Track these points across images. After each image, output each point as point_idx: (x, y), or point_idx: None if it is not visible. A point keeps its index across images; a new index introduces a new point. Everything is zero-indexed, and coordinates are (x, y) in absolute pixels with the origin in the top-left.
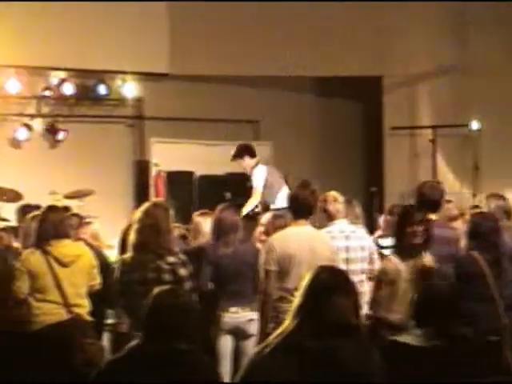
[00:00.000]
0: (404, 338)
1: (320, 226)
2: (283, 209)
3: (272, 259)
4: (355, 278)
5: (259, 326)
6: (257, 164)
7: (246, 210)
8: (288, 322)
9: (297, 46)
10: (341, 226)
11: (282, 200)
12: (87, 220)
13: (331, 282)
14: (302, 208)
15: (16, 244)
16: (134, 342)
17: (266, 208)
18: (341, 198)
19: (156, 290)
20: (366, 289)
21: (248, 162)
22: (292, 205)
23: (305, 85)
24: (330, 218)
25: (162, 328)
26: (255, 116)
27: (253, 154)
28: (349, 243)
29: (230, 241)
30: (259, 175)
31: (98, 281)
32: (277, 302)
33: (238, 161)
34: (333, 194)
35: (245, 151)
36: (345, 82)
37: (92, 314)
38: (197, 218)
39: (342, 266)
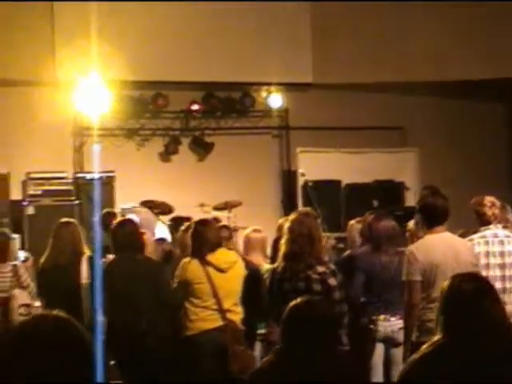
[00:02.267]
0: None
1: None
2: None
3: (415, 270)
4: (509, 285)
5: (404, 336)
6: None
7: None
8: (438, 333)
9: (440, 49)
10: (495, 230)
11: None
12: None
13: (476, 289)
14: (440, 215)
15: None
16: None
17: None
18: (498, 203)
19: (293, 301)
20: None
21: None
22: (428, 212)
23: (450, 89)
24: (484, 222)
25: (298, 337)
26: (401, 122)
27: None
28: (504, 248)
29: (384, 249)
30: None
31: None
32: (422, 310)
33: None
34: (490, 198)
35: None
36: (490, 85)
37: (245, 323)
38: (352, 226)
39: (497, 272)
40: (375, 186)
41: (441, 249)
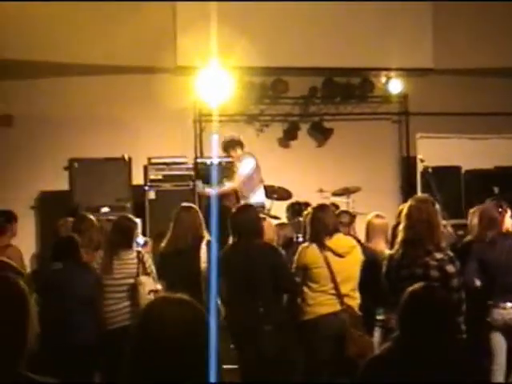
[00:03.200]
0: None
1: None
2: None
3: None
4: None
5: None
6: (245, 155)
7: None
8: None
9: None
10: None
11: (259, 196)
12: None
13: None
14: None
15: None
16: (394, 338)
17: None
18: None
19: (411, 287)
20: None
21: (239, 153)
22: None
23: None
24: None
25: (417, 324)
26: None
27: (243, 146)
28: None
29: (491, 235)
30: (247, 165)
31: None
32: None
33: (230, 152)
34: None
35: (237, 143)
36: None
37: (363, 309)
38: (473, 213)
39: None
40: (496, 172)
41: None
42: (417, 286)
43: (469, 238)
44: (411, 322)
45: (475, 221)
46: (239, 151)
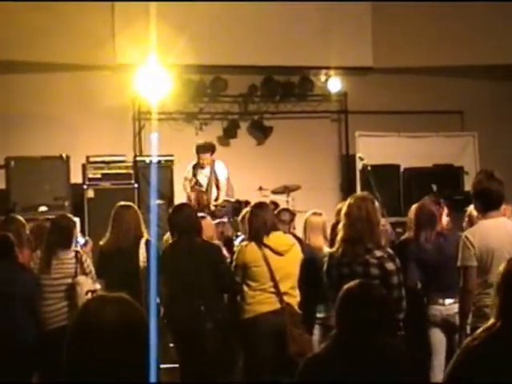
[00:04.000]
0: None
1: None
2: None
3: (471, 255)
4: None
5: (459, 322)
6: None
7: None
8: (493, 317)
9: (502, 32)
10: None
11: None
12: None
13: None
14: (495, 200)
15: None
16: (332, 336)
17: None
18: None
19: (347, 284)
20: None
21: (212, 157)
22: (483, 197)
23: (510, 72)
24: None
25: (353, 322)
26: (461, 106)
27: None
28: None
29: (428, 234)
30: (223, 169)
31: None
32: (478, 296)
33: (205, 155)
34: None
35: (214, 148)
36: None
37: (303, 307)
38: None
39: None
40: (434, 170)
41: (497, 234)
42: (352, 283)
43: (406, 235)
44: (348, 319)
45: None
46: (213, 155)
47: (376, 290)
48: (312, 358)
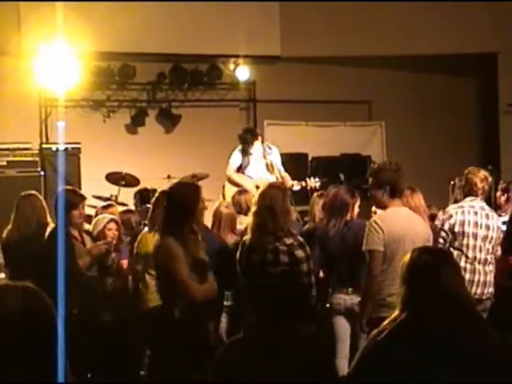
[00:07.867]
0: None
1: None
2: None
3: (379, 240)
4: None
5: (360, 306)
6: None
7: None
8: (398, 307)
9: (410, 23)
10: (481, 203)
11: None
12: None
13: (436, 261)
14: (398, 188)
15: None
16: (248, 323)
17: None
18: (490, 179)
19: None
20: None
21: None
22: (388, 185)
23: (418, 63)
24: (472, 193)
25: (272, 309)
26: (369, 96)
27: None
28: (488, 222)
29: (337, 223)
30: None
31: None
32: (382, 283)
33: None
34: (485, 172)
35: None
36: (460, 60)
37: None
38: (314, 199)
39: (480, 244)
40: (342, 159)
41: (403, 222)
42: (266, 273)
43: (312, 224)
44: (258, 308)
45: (316, 207)
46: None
47: (285, 277)
48: (224, 349)
